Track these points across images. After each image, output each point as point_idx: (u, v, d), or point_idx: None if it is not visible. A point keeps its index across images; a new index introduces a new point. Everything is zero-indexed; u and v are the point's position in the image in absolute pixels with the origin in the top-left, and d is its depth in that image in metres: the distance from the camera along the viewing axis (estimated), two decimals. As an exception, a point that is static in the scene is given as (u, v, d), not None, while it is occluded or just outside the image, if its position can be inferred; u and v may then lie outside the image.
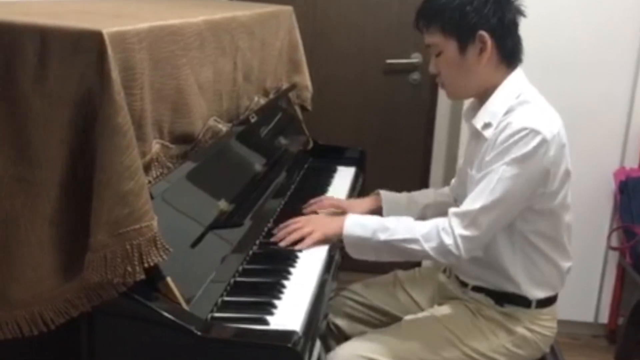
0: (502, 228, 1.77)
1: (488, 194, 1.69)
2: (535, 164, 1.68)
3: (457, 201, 2.06)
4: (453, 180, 2.19)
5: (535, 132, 1.67)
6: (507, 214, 1.73)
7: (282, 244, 1.81)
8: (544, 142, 1.67)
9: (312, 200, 2.12)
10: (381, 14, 3.44)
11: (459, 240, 1.69)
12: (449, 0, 1.74)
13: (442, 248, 1.71)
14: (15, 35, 1.16)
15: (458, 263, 1.83)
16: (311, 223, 1.87)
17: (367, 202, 2.17)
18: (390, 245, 1.76)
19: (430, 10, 1.78)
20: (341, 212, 2.04)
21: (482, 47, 1.75)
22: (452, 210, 1.74)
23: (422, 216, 2.09)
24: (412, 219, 1.83)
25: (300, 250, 1.77)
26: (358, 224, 1.82)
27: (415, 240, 1.74)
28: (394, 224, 1.79)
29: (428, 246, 1.72)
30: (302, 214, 1.98)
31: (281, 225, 1.88)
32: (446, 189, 2.21)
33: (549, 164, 1.70)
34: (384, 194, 2.17)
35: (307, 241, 1.81)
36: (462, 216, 1.71)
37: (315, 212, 2.04)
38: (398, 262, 1.84)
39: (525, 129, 1.67)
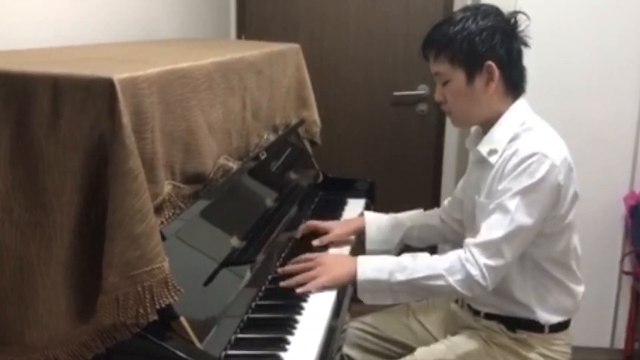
0: (520, 256, 1.78)
1: (508, 223, 1.69)
2: (548, 189, 1.70)
3: (455, 227, 2.11)
4: (445, 202, 2.21)
5: (545, 157, 1.69)
6: (526, 240, 1.74)
7: (283, 284, 1.75)
8: (554, 166, 1.69)
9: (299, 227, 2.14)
10: (387, 48, 3.49)
11: (485, 271, 1.68)
12: (457, 31, 1.77)
13: (468, 280, 1.69)
14: (29, 85, 1.18)
15: (482, 293, 1.77)
16: (320, 266, 1.79)
17: (351, 223, 2.20)
18: (411, 285, 1.72)
19: (439, 40, 1.80)
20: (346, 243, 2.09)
21: (490, 77, 1.78)
22: (471, 241, 1.73)
23: (406, 237, 2.13)
24: (428, 254, 1.78)
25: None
26: (372, 268, 1.77)
27: (439, 276, 1.70)
28: (411, 262, 1.75)
29: (453, 280, 1.70)
30: (310, 249, 1.99)
31: (293, 260, 1.86)
32: (435, 211, 2.22)
33: (559, 188, 1.72)
34: (368, 215, 2.19)
35: (310, 285, 1.73)
36: (484, 246, 1.70)
37: (310, 243, 2.05)
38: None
39: (534, 154, 1.69)
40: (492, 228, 1.71)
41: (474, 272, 1.68)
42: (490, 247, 1.69)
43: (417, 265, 1.74)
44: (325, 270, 1.77)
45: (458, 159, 3.43)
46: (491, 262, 1.69)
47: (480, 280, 1.68)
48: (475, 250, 1.70)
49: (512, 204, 1.69)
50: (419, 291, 1.75)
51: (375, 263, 1.79)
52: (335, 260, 1.86)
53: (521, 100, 1.85)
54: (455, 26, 1.78)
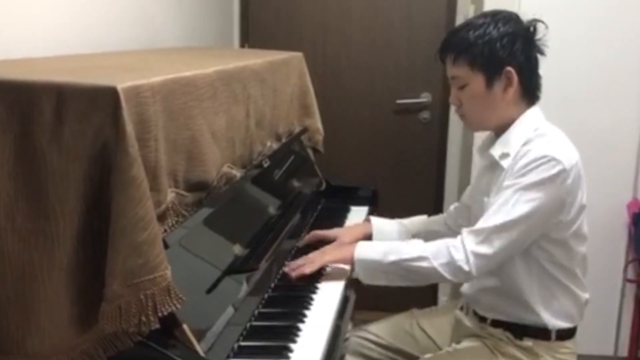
0: (514, 253, 1.78)
1: (503, 215, 1.71)
2: (552, 191, 1.71)
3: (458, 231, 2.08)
4: (452, 207, 2.21)
5: (556, 161, 1.70)
6: (520, 239, 1.74)
7: (287, 269, 1.85)
8: (563, 171, 1.70)
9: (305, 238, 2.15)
10: (390, 56, 3.49)
11: (470, 256, 1.71)
12: (478, 36, 1.78)
13: (452, 264, 1.72)
14: (32, 93, 1.18)
15: (466, 279, 1.83)
16: (320, 252, 1.89)
17: (357, 229, 2.20)
18: (399, 266, 1.77)
19: (458, 44, 1.81)
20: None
21: (508, 82, 1.80)
22: (466, 229, 1.76)
23: None
24: (422, 241, 1.84)
25: (315, 292, 1.77)
26: (369, 247, 1.85)
27: (424, 258, 1.75)
28: (405, 245, 1.82)
29: (437, 263, 1.73)
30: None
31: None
32: (441, 217, 2.23)
33: (565, 193, 1.72)
34: (374, 220, 2.20)
35: (316, 263, 1.84)
36: (475, 233, 1.73)
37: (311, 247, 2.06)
38: (414, 300, 1.84)
39: (545, 156, 1.71)
40: (488, 217, 1.74)
41: (458, 256, 1.71)
42: (481, 234, 1.72)
43: (409, 248, 1.80)
44: (326, 253, 1.88)
45: (461, 166, 3.43)
46: (478, 249, 1.71)
47: (464, 265, 1.71)
48: (465, 237, 1.74)
49: (513, 198, 1.71)
50: (407, 273, 1.78)
51: (373, 244, 1.89)
52: (335, 246, 1.98)
53: (535, 108, 1.87)
54: (476, 31, 1.79)
